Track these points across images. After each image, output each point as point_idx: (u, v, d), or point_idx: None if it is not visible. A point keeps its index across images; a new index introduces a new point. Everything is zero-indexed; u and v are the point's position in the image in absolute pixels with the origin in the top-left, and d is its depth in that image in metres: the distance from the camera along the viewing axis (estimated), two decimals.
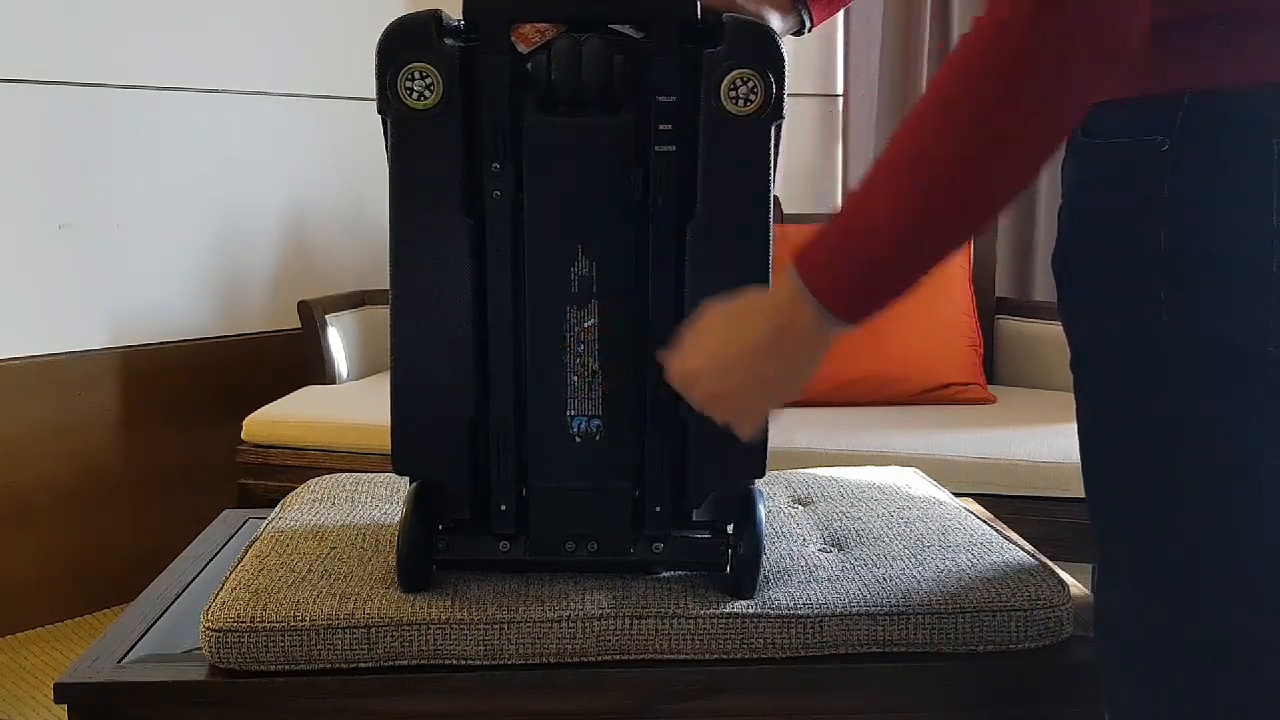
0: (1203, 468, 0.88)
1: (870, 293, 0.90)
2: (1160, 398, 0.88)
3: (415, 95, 1.07)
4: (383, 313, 1.14)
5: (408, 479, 1.17)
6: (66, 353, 2.73)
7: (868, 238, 0.88)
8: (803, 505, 1.43)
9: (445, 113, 1.08)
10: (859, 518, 1.35)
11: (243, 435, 2.63)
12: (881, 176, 0.87)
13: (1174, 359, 0.87)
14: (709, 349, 0.97)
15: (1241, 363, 0.85)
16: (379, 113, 1.10)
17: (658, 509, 1.14)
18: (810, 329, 0.92)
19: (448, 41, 1.08)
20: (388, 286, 1.12)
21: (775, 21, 1.20)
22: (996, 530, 1.34)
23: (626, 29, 1.10)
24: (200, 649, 1.13)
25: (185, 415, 2.91)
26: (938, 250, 0.88)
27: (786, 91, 1.08)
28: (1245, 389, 0.85)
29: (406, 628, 1.12)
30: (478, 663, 1.12)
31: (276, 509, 1.45)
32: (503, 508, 1.14)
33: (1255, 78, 0.83)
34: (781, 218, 2.89)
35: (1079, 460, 0.99)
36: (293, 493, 1.50)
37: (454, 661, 1.12)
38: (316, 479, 1.54)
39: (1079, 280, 0.95)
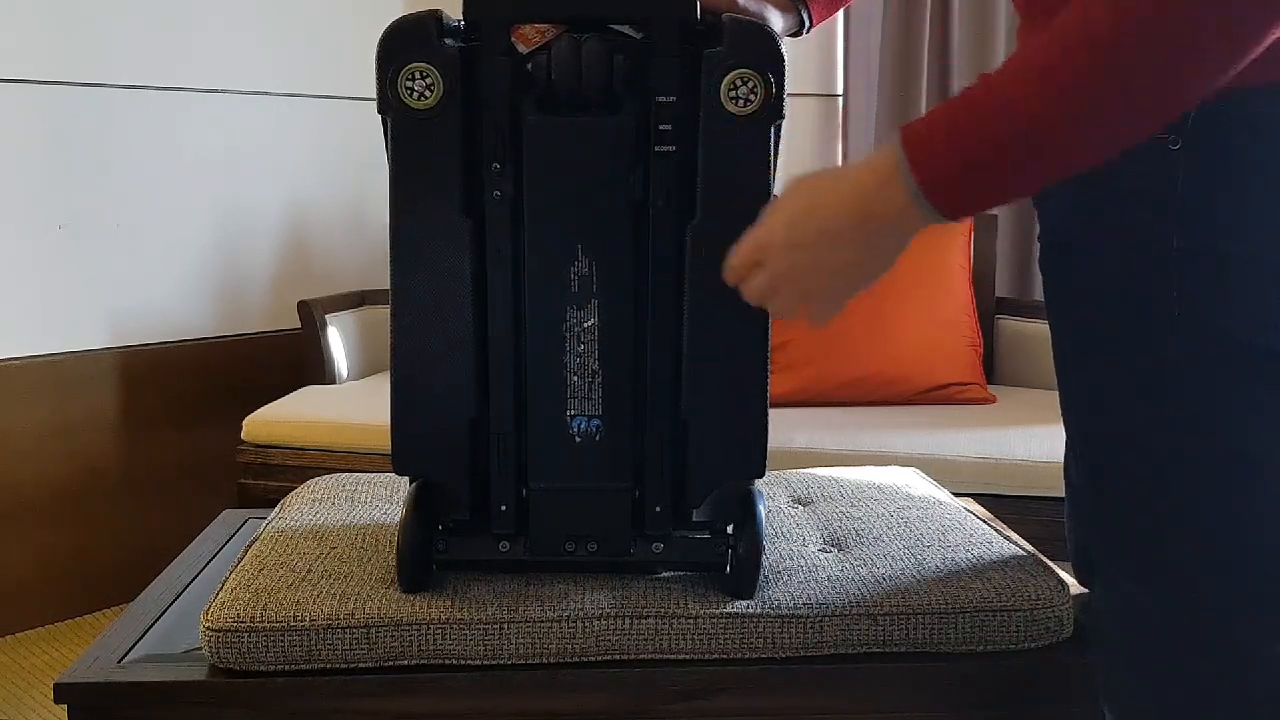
0: (1213, 464, 0.88)
1: (980, 187, 0.83)
2: (1171, 395, 0.88)
3: (415, 95, 1.07)
4: (383, 313, 1.14)
5: (408, 479, 1.18)
6: (66, 353, 2.73)
7: (998, 120, 0.80)
8: (803, 505, 1.43)
9: (445, 113, 1.08)
10: (859, 518, 1.35)
11: (243, 435, 2.63)
12: (1033, 65, 0.79)
13: (1186, 357, 0.87)
14: (787, 220, 0.91)
15: (1256, 361, 0.86)
16: (379, 113, 1.10)
17: (658, 509, 1.14)
18: (902, 216, 0.85)
19: (448, 42, 1.08)
20: (388, 286, 1.13)
21: (775, 20, 1.20)
22: (996, 530, 1.34)
23: (626, 29, 1.10)
24: (200, 649, 1.13)
25: (185, 415, 2.91)
26: (1071, 156, 0.82)
27: (786, 91, 1.08)
28: (1259, 387, 0.86)
29: (406, 628, 1.12)
30: (478, 663, 1.12)
31: (276, 509, 1.45)
32: (503, 508, 1.14)
33: (1267, 77, 0.83)
34: None
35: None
36: (293, 493, 1.50)
37: (454, 661, 1.12)
38: (316, 479, 1.54)
39: (1079, 280, 0.95)
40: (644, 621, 1.13)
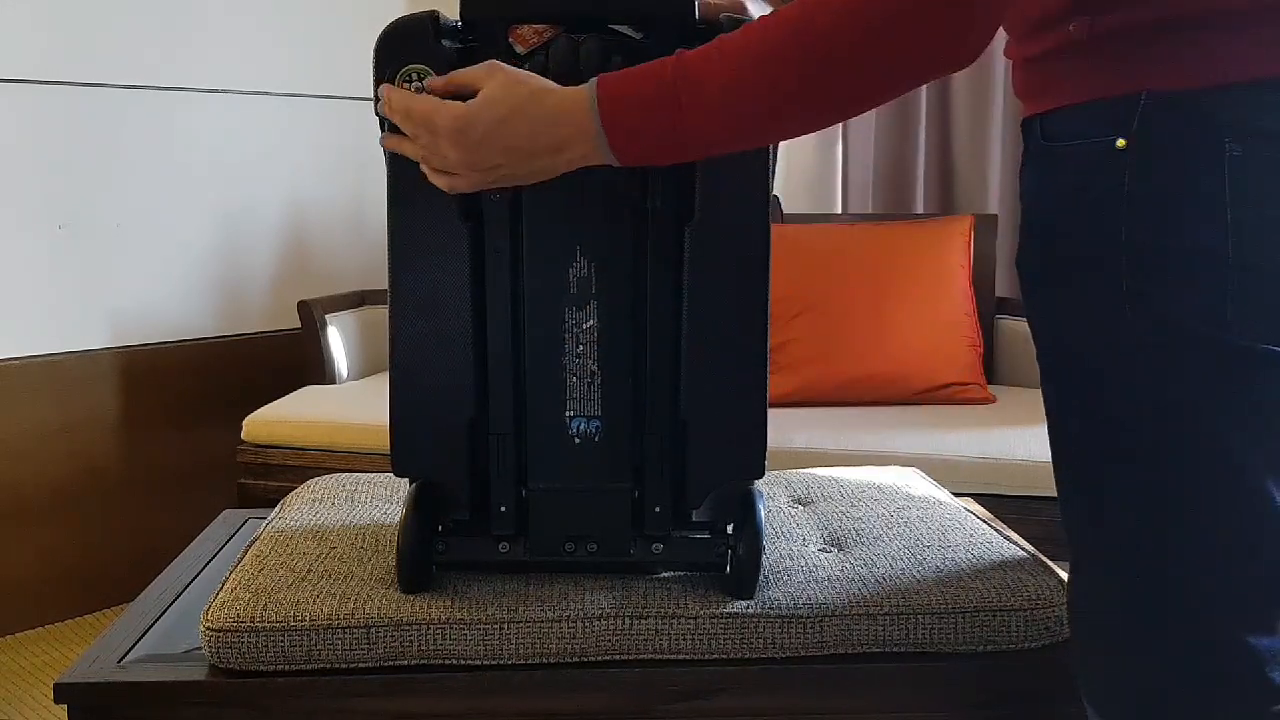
0: (1168, 450, 0.91)
1: (661, 153, 0.95)
2: (1125, 384, 0.91)
3: None
4: (383, 313, 1.14)
5: (407, 480, 1.18)
6: (66, 353, 2.72)
7: (690, 113, 0.91)
8: (803, 505, 1.43)
9: None
10: (859, 518, 1.35)
11: (243, 435, 2.63)
12: (729, 66, 0.91)
13: (1137, 346, 0.90)
14: (492, 119, 0.97)
15: (1201, 348, 0.88)
16: (377, 114, 1.10)
17: (657, 509, 1.14)
18: (582, 155, 0.96)
19: (445, 43, 1.08)
20: (387, 287, 1.13)
21: None
22: (996, 530, 1.34)
23: (625, 29, 1.10)
24: (200, 649, 1.13)
25: (185, 415, 2.91)
26: (748, 143, 0.98)
27: None
28: (1206, 373, 0.89)
29: (406, 628, 1.12)
30: (478, 663, 1.13)
31: (276, 509, 1.45)
32: (502, 509, 1.14)
33: (1208, 80, 0.87)
34: (781, 218, 2.88)
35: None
36: (293, 493, 1.50)
37: (454, 661, 1.12)
38: (316, 479, 1.54)
39: (1046, 278, 0.98)
40: (644, 621, 1.13)
